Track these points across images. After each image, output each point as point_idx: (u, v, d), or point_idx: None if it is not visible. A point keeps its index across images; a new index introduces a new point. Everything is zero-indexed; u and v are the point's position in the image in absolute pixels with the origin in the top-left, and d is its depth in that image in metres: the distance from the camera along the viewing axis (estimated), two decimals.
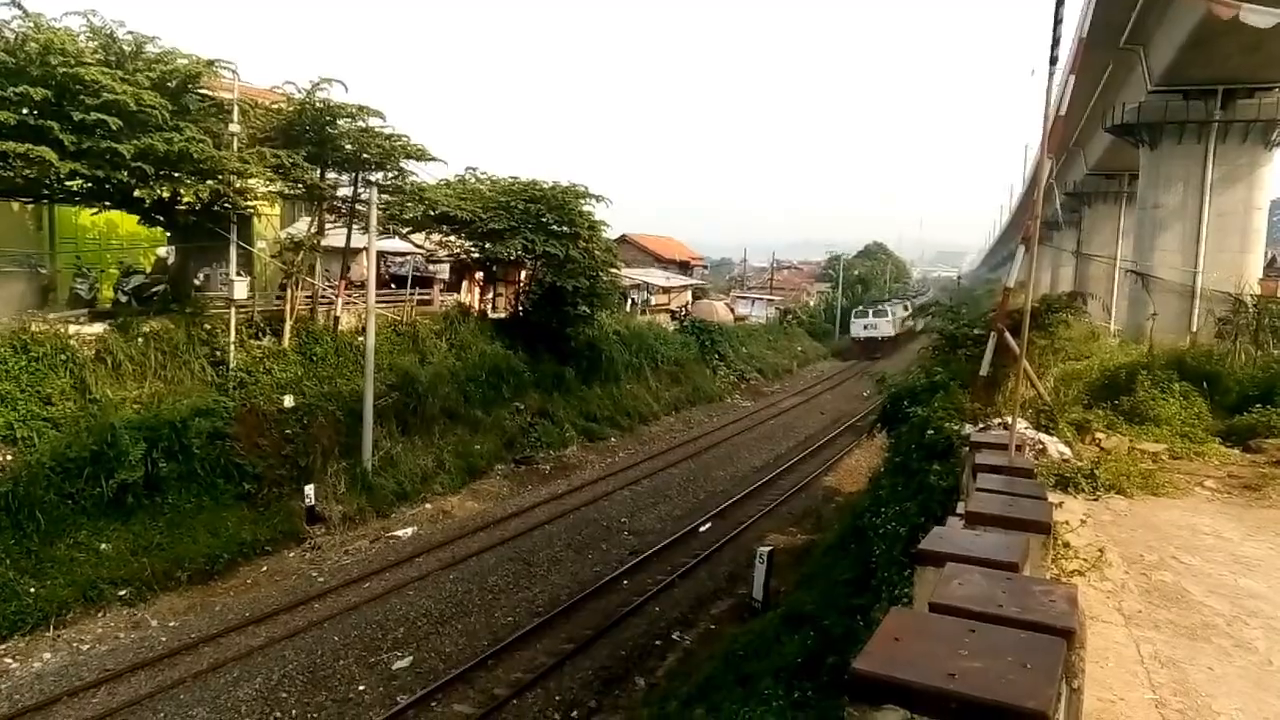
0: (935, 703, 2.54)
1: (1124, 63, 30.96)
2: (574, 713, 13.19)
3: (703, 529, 21.70)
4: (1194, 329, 25.91)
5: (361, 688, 13.47)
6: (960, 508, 7.15)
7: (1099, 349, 18.97)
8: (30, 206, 22.90)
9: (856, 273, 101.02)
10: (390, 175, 27.71)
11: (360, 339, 25.07)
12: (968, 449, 9.21)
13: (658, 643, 15.69)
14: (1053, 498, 7.76)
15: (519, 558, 19.00)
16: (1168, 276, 28.93)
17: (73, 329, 19.70)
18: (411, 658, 14.47)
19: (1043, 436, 11.32)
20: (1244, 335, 18.27)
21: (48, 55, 17.87)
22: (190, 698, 12.71)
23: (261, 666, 13.76)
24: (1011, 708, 2.46)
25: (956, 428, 11.56)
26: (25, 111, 17.79)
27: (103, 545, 16.52)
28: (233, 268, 23.13)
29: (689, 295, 63.39)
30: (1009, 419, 9.70)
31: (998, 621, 3.10)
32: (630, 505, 23.42)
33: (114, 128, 18.03)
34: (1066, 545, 7.47)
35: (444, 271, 37.44)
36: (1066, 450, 11.03)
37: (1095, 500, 9.60)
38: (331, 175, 26.90)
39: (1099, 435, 12.37)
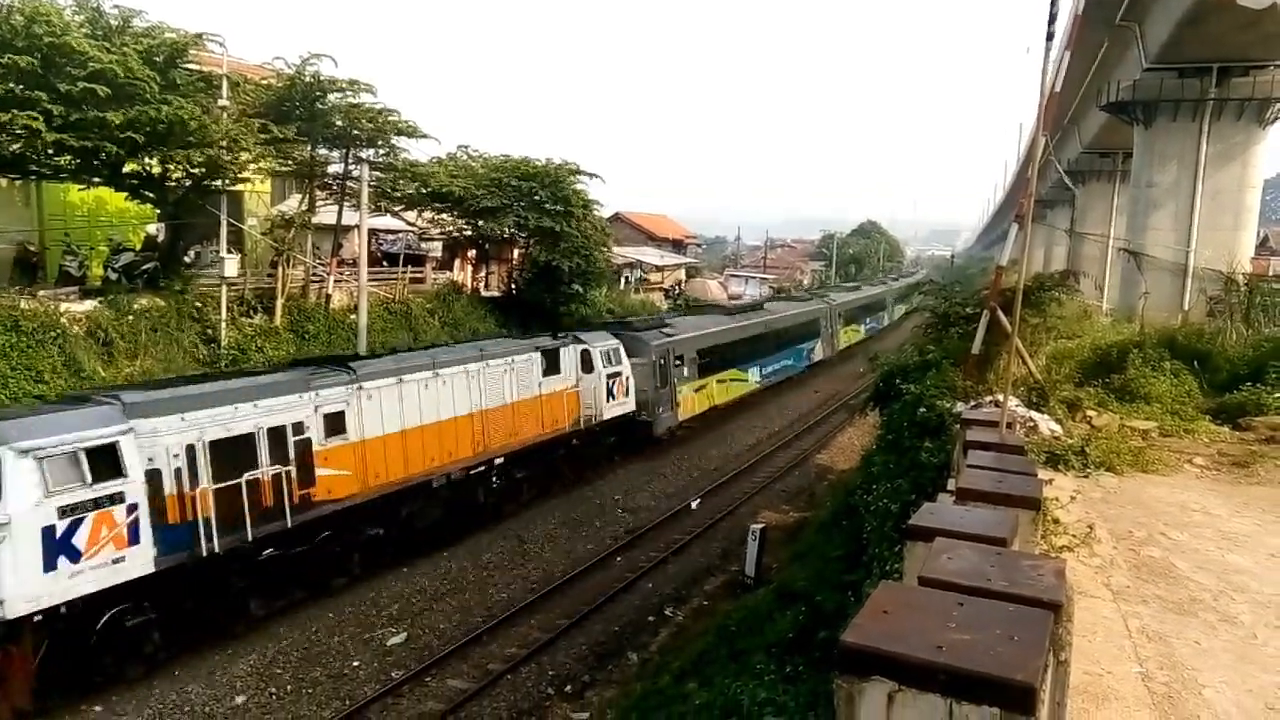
0: (923, 674, 2.56)
1: (1120, 40, 30.85)
2: (568, 686, 13.29)
3: (694, 505, 21.78)
4: (1186, 307, 25.99)
5: (356, 663, 13.54)
6: (951, 484, 7.19)
7: (1091, 327, 19.04)
8: (18, 183, 22.70)
9: (850, 251, 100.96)
10: (382, 152, 27.58)
11: (352, 317, 25.00)
12: (959, 426, 9.25)
13: (651, 618, 15.78)
14: (1043, 475, 7.81)
15: (512, 534, 19.06)
16: (1160, 255, 29.00)
17: (63, 306, 19.61)
18: (406, 634, 14.54)
19: (1034, 414, 11.36)
20: (1235, 314, 18.32)
21: (33, 25, 17.66)
22: (185, 673, 12.76)
23: (256, 642, 13.80)
24: (998, 679, 2.48)
25: (948, 405, 11.58)
26: (12, 83, 17.61)
27: None
28: (223, 245, 23.02)
29: (682, 274, 63.31)
30: (1000, 397, 9.73)
31: (986, 595, 3.12)
32: (624, 483, 23.48)
33: (102, 96, 17.83)
34: (1056, 521, 7.52)
35: (436, 249, 37.29)
36: (1057, 428, 11.08)
37: (1085, 477, 9.65)
38: (322, 151, 26.76)
39: (1090, 413, 12.42)
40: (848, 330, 49.91)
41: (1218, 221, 28.54)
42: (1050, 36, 10.13)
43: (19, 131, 17.21)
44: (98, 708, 11.77)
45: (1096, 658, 5.53)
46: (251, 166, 23.28)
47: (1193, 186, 28.71)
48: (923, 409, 11.97)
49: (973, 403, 11.45)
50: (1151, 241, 29.42)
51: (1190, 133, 28.70)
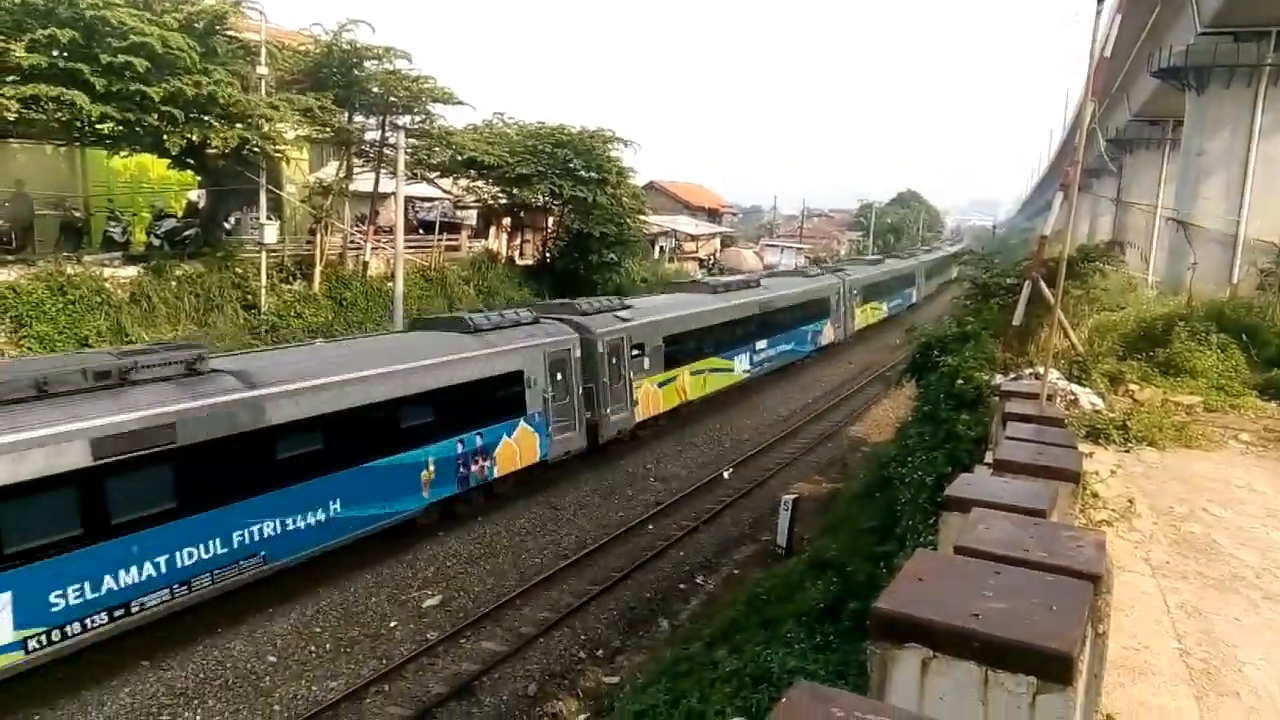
0: (958, 642, 2.54)
1: (1172, 3, 29.84)
2: (599, 651, 13.45)
3: (726, 475, 21.81)
4: (1235, 280, 25.31)
5: (393, 624, 13.81)
6: (989, 457, 7.11)
7: (1135, 300, 18.65)
8: (63, 149, 23.09)
9: (889, 220, 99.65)
10: (418, 119, 27.61)
11: (389, 284, 25.21)
12: (998, 398, 9.13)
13: (681, 586, 15.89)
14: (1083, 448, 7.70)
15: (546, 502, 19.22)
16: (1210, 225, 28.20)
17: (107, 272, 20.00)
18: (441, 596, 14.78)
19: (1075, 387, 11.19)
20: None
21: None
22: (227, 630, 13.10)
23: (296, 602, 14.12)
24: (1036, 648, 2.46)
25: (987, 377, 11.45)
26: (55, 54, 17.86)
27: None
28: (263, 212, 23.26)
29: (717, 243, 62.92)
30: (1041, 369, 9.58)
31: (1024, 565, 3.08)
32: (656, 452, 23.54)
33: (141, 70, 18.04)
34: (1095, 495, 7.43)
35: (471, 217, 37.42)
36: (1099, 401, 10.91)
37: (1126, 452, 9.51)
38: (359, 119, 26.86)
39: (1132, 387, 12.21)
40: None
41: (1271, 190, 27.61)
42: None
43: (64, 102, 17.47)
44: (144, 662, 12.14)
45: (1134, 632, 5.47)
46: (289, 136, 23.47)
47: (1245, 155, 27.81)
48: (960, 381, 11.83)
49: (1012, 375, 11.31)
50: (1201, 211, 28.60)
51: (1245, 99, 27.75)
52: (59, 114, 18.01)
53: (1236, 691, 4.88)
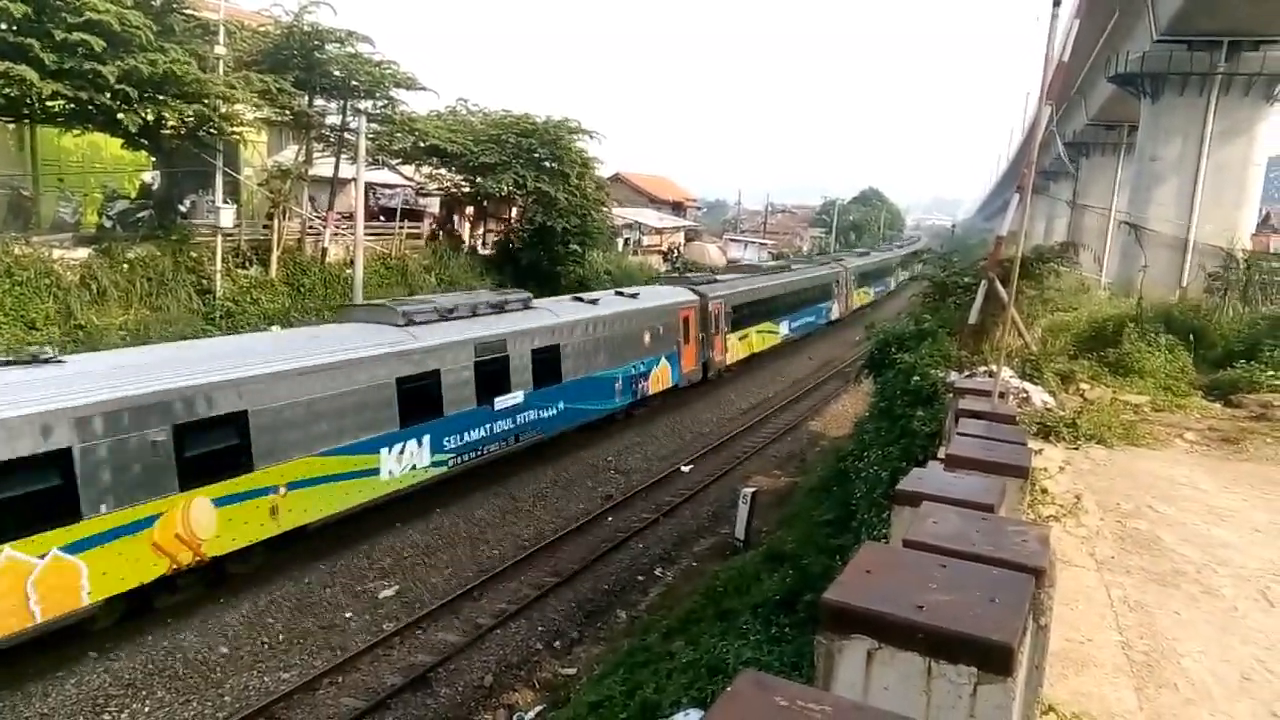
0: (902, 633, 2.58)
1: (1131, 9, 30.48)
2: (557, 642, 13.44)
3: (685, 469, 21.89)
4: (1184, 283, 25.98)
5: (348, 614, 13.67)
6: (941, 452, 7.22)
7: (1088, 301, 19.08)
8: (11, 127, 22.43)
9: (851, 218, 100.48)
10: (379, 104, 27.28)
11: (348, 271, 24.89)
12: (952, 395, 9.28)
13: (640, 578, 15.92)
14: (1034, 445, 7.85)
15: (506, 493, 19.15)
16: (1161, 229, 28.92)
17: (57, 253, 19.49)
18: (398, 587, 14.66)
19: (1027, 385, 11.41)
20: (1233, 291, 18.35)
21: None
22: (178, 622, 12.88)
23: (248, 591, 13.92)
24: (977, 640, 2.50)
25: (942, 375, 11.63)
26: (4, 27, 17.35)
27: None
28: (219, 195, 22.82)
29: (681, 236, 63.02)
30: (994, 367, 9.75)
31: (969, 558, 3.14)
32: (617, 445, 23.55)
33: (97, 49, 17.59)
34: (1044, 491, 7.59)
35: (434, 205, 37.08)
36: (1050, 399, 11.13)
37: (1076, 449, 9.72)
38: (320, 102, 26.46)
39: (1083, 386, 12.48)
40: None
41: (1220, 198, 28.43)
42: (1058, 3, 10.01)
43: (12, 78, 16.98)
44: (92, 653, 11.89)
45: (1078, 625, 5.60)
46: (248, 117, 23.04)
47: (1197, 162, 28.57)
48: (916, 378, 12.01)
49: (967, 372, 11.48)
50: (1153, 216, 29.33)
51: (1197, 108, 28.49)
52: (7, 90, 17.49)
53: (1175, 683, 5.03)
